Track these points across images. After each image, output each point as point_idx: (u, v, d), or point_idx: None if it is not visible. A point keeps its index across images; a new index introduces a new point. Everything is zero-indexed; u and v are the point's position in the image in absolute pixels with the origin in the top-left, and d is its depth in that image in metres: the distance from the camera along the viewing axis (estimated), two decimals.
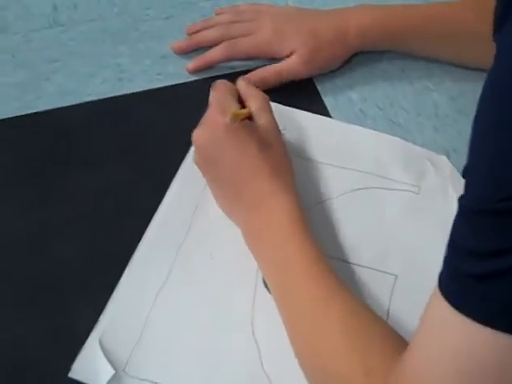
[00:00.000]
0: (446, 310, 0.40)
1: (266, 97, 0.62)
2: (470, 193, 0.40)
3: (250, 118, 0.60)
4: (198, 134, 0.59)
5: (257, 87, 0.64)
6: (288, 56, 0.71)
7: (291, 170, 0.60)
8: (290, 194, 0.57)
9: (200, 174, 0.61)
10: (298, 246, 0.54)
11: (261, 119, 0.60)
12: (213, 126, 0.58)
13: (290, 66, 0.71)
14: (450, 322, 0.40)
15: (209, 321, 0.56)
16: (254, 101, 0.62)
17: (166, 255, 0.59)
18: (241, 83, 0.64)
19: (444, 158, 0.65)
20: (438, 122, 0.70)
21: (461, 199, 0.41)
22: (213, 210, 0.61)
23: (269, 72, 0.70)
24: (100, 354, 0.54)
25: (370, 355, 0.47)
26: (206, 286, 0.58)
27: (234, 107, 0.60)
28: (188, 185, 0.63)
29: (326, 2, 0.80)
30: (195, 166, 0.61)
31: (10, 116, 0.68)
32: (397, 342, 0.48)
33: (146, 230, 0.60)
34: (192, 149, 0.65)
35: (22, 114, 0.68)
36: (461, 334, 0.40)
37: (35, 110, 0.68)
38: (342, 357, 0.48)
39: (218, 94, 0.61)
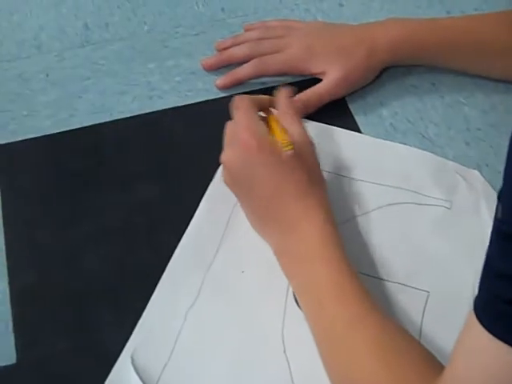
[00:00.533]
0: (481, 335, 0.40)
1: (296, 114, 0.62)
2: (505, 216, 0.39)
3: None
4: (228, 156, 0.59)
5: (300, 113, 0.64)
6: (318, 73, 0.71)
7: (325, 187, 0.60)
8: (322, 213, 0.57)
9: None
10: (330, 267, 0.54)
11: (295, 137, 0.59)
12: (244, 147, 0.57)
13: (329, 88, 0.70)
14: (486, 347, 0.40)
15: (239, 338, 0.56)
16: (285, 120, 0.61)
17: (196, 272, 0.59)
18: (279, 96, 0.64)
19: (476, 172, 0.65)
20: (470, 135, 0.70)
21: (496, 222, 0.40)
22: (244, 226, 0.61)
23: (310, 96, 0.69)
24: (132, 371, 0.54)
25: (403, 376, 0.47)
26: (237, 303, 0.58)
27: (262, 127, 0.58)
28: (218, 202, 0.63)
29: (355, 16, 0.79)
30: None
31: (44, 134, 0.69)
32: (431, 362, 0.48)
33: (177, 247, 0.61)
34: (222, 166, 0.65)
35: (56, 131, 0.69)
36: (497, 360, 0.39)
37: (68, 128, 0.69)
38: (375, 377, 0.48)
39: (243, 113, 0.60)
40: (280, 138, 0.58)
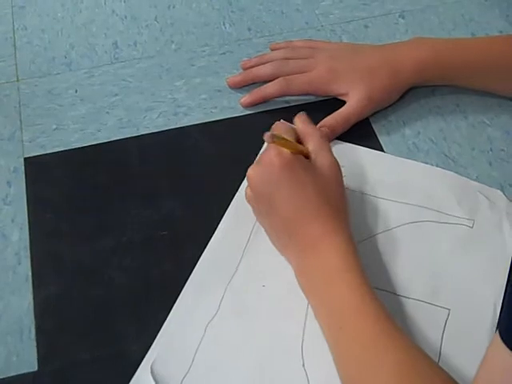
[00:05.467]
0: (506, 356, 0.40)
1: (324, 134, 0.62)
2: None
3: (307, 156, 0.60)
4: (252, 172, 0.59)
5: (328, 137, 0.65)
6: (342, 94, 0.72)
7: (347, 209, 0.60)
8: (344, 234, 0.57)
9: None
10: (350, 290, 0.54)
11: (319, 158, 0.59)
12: (268, 165, 0.58)
13: (354, 110, 0.70)
14: (511, 369, 0.39)
15: (258, 352, 0.56)
16: (312, 139, 0.61)
17: (217, 286, 0.60)
18: (298, 122, 0.64)
19: (499, 191, 0.65)
20: (493, 156, 0.69)
21: None
22: (265, 241, 0.61)
23: (337, 120, 0.69)
24: (151, 381, 0.54)
25: None
26: (257, 317, 0.58)
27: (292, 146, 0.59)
28: (241, 216, 0.64)
29: (380, 37, 0.80)
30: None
31: (72, 147, 0.70)
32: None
33: (198, 261, 0.61)
34: (244, 182, 0.66)
35: (83, 145, 0.70)
36: None
37: (95, 142, 0.71)
38: None
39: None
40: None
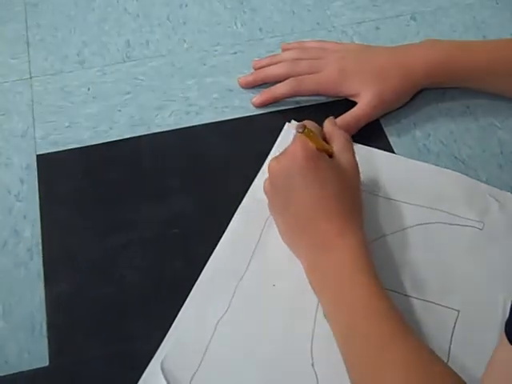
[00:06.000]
0: None
1: (349, 137, 0.62)
2: None
3: (330, 155, 0.60)
4: (274, 163, 0.59)
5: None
6: (352, 95, 0.72)
7: (362, 211, 0.60)
8: (357, 235, 0.57)
9: (264, 205, 0.62)
10: (362, 288, 0.54)
11: (342, 158, 0.60)
12: (291, 157, 0.58)
13: (365, 112, 0.70)
14: None
15: (268, 350, 0.57)
16: (337, 140, 0.62)
17: (227, 284, 0.60)
18: (327, 124, 0.65)
19: (509, 194, 0.65)
20: (503, 159, 0.70)
21: None
22: (276, 240, 0.62)
23: (348, 121, 0.70)
24: (162, 379, 0.55)
25: None
26: (267, 316, 0.59)
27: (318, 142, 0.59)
28: (252, 215, 0.64)
29: (392, 39, 0.80)
30: (259, 197, 0.62)
31: (84, 145, 0.71)
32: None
33: (209, 259, 0.62)
34: (255, 182, 0.66)
35: (95, 143, 0.71)
36: None
37: (107, 140, 0.71)
38: None
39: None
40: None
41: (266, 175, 0.61)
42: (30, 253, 0.63)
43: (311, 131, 0.58)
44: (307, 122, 0.62)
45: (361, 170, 0.61)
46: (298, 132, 0.57)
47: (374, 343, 0.51)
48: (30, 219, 0.65)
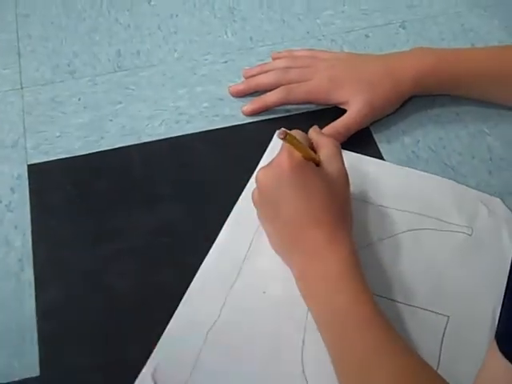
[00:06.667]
0: (503, 365, 0.40)
1: (337, 144, 0.62)
2: None
3: (317, 164, 0.60)
4: (261, 173, 0.59)
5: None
6: (342, 103, 0.72)
7: (351, 219, 0.60)
8: (346, 242, 0.57)
9: (254, 214, 0.62)
10: (351, 296, 0.54)
11: (330, 167, 0.59)
12: (277, 166, 0.58)
13: (355, 119, 0.71)
14: (508, 377, 0.40)
15: (259, 358, 0.57)
16: (325, 148, 0.61)
17: (218, 293, 0.60)
18: (312, 132, 0.65)
19: (498, 199, 0.65)
20: (493, 165, 0.70)
21: None
22: (266, 248, 0.62)
23: (338, 129, 0.70)
24: None
25: None
26: (257, 325, 0.58)
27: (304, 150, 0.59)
28: (242, 223, 0.64)
29: (381, 47, 0.81)
30: (249, 206, 0.62)
31: (75, 155, 0.71)
32: None
33: (199, 267, 0.62)
34: (244, 192, 0.66)
35: (86, 153, 0.71)
36: None
37: (98, 150, 0.71)
38: None
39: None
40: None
41: (255, 185, 0.61)
42: (20, 263, 0.63)
43: (294, 138, 0.57)
44: (294, 132, 0.62)
45: (350, 177, 0.61)
46: (279, 138, 0.56)
47: (364, 351, 0.51)
48: (21, 229, 0.65)
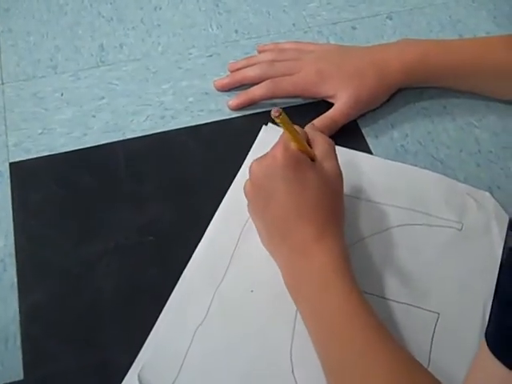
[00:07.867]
0: (492, 364, 0.40)
1: (332, 143, 0.61)
2: None
3: (312, 159, 0.59)
4: (255, 165, 0.58)
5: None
6: (329, 96, 0.72)
7: (343, 216, 0.59)
8: (336, 240, 0.56)
9: (242, 209, 0.61)
10: (341, 294, 0.54)
11: (325, 164, 0.59)
12: (273, 158, 0.57)
13: (342, 112, 0.70)
14: (498, 376, 0.40)
15: (247, 357, 0.56)
16: (320, 146, 0.60)
17: (205, 291, 0.59)
18: (308, 129, 0.64)
19: (487, 193, 0.65)
20: (481, 158, 0.70)
21: (507, 251, 0.40)
22: (254, 246, 0.61)
23: (325, 122, 0.69)
24: None
25: None
26: (245, 323, 0.58)
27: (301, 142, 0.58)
28: (229, 221, 0.63)
29: (368, 39, 0.80)
30: (236, 203, 0.62)
31: (58, 152, 0.69)
32: None
33: (186, 266, 0.61)
34: (231, 188, 0.65)
35: (70, 149, 0.70)
36: None
37: (82, 146, 0.70)
38: None
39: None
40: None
41: (244, 179, 0.60)
42: (3, 263, 0.62)
43: (288, 120, 0.55)
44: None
45: (343, 173, 0.60)
46: (273, 117, 0.54)
47: (352, 349, 0.51)
48: (3, 229, 0.64)
